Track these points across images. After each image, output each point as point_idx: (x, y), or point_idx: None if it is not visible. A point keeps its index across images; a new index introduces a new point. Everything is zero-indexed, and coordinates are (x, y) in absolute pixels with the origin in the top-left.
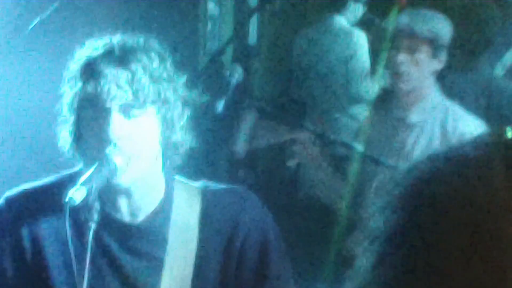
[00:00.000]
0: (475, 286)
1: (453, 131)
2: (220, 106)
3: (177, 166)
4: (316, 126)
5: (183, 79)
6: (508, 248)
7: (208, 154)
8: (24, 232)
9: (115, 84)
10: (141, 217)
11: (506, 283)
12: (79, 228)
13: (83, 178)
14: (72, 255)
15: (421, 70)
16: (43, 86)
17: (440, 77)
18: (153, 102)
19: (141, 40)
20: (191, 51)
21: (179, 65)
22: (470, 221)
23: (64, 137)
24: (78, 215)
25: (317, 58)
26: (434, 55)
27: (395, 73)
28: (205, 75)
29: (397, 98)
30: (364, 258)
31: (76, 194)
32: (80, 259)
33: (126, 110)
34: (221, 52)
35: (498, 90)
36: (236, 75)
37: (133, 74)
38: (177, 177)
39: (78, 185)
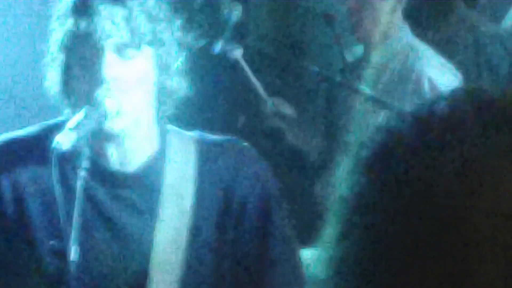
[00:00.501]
0: (445, 255)
1: (420, 73)
2: (217, 47)
3: (171, 115)
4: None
5: (179, 20)
6: (478, 214)
7: (204, 99)
8: (5, 182)
9: (111, 22)
10: (132, 166)
11: (474, 250)
12: (67, 177)
13: (71, 123)
14: (60, 205)
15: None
16: (26, 25)
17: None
18: (149, 42)
19: None
20: None
21: (175, 2)
22: (441, 186)
23: (52, 78)
24: (66, 162)
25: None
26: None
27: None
28: (201, 13)
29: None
30: (331, 227)
31: (64, 139)
32: (68, 210)
33: (121, 49)
34: None
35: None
36: (235, 13)
37: (130, 11)
38: (170, 126)
39: (66, 130)
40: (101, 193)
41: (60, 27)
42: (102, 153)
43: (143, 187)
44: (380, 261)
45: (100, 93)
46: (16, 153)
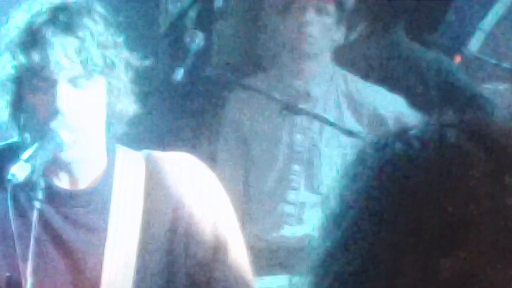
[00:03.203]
0: (430, 263)
1: (361, 101)
2: (179, 74)
3: (120, 135)
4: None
5: (122, 38)
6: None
7: (168, 125)
8: None
9: (64, 54)
10: (81, 185)
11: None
12: (22, 208)
13: (26, 154)
14: (16, 236)
15: (325, 36)
16: None
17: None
18: (101, 71)
19: (83, 2)
20: (151, 13)
21: (138, 29)
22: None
23: (1, 108)
24: (21, 193)
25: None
26: (339, 22)
27: (300, 33)
28: (165, 40)
29: (296, 64)
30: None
31: (19, 171)
32: (23, 240)
33: (74, 81)
34: (183, 15)
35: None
36: (197, 40)
37: (81, 42)
38: (119, 145)
39: (21, 162)
40: (52, 214)
41: (10, 56)
42: (55, 175)
43: (92, 204)
44: None
45: (55, 124)
46: None
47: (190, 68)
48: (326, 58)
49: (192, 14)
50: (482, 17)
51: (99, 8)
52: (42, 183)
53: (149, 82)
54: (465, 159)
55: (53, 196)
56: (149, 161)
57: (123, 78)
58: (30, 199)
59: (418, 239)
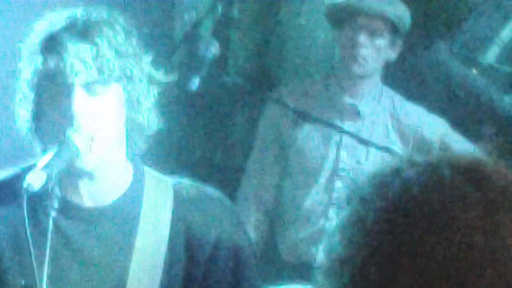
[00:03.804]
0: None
1: (407, 122)
2: (194, 83)
3: (146, 153)
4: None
5: (149, 57)
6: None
7: (181, 137)
8: None
9: (79, 59)
10: (105, 202)
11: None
12: (38, 217)
13: (42, 163)
14: (31, 245)
15: (378, 57)
16: None
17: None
18: (118, 78)
19: (106, 13)
20: (167, 23)
21: (155, 38)
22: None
23: (23, 117)
24: (37, 202)
25: (301, 30)
26: (392, 43)
27: (351, 55)
28: (180, 49)
29: (348, 83)
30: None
31: (35, 180)
32: (39, 250)
33: (90, 86)
34: (198, 25)
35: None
36: (212, 49)
37: (98, 48)
38: (146, 168)
39: (36, 170)
40: (74, 230)
41: (29, 65)
42: (74, 189)
43: (118, 221)
44: None
45: (70, 131)
46: None
47: (206, 77)
48: (377, 77)
49: (207, 23)
50: (499, 28)
51: (122, 20)
52: (58, 192)
53: (164, 92)
54: (461, 198)
55: (75, 213)
56: (178, 191)
57: (143, 90)
58: (46, 208)
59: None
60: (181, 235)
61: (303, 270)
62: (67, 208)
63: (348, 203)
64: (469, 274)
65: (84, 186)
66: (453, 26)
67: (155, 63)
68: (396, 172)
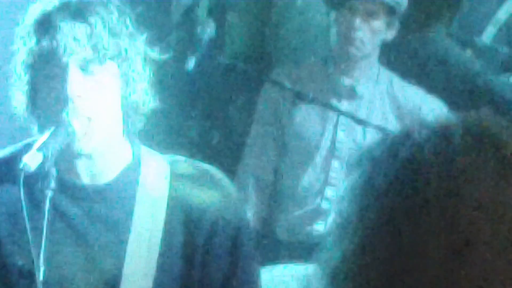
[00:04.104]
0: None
1: (405, 103)
2: (191, 63)
3: (141, 131)
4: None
5: (143, 35)
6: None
7: (177, 114)
8: None
9: (73, 38)
10: (103, 180)
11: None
12: (35, 197)
13: (38, 143)
14: (27, 225)
15: (375, 38)
16: None
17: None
18: (113, 57)
19: None
20: (163, 4)
21: (151, 19)
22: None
23: (18, 99)
24: (34, 182)
25: (298, 11)
26: (389, 24)
27: (348, 38)
28: (177, 29)
29: (345, 64)
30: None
31: (31, 160)
32: (36, 230)
33: (84, 65)
34: (195, 6)
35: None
36: (208, 30)
37: (92, 27)
38: (143, 147)
39: (33, 151)
40: (72, 209)
41: (23, 46)
42: (72, 169)
43: (114, 201)
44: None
45: (66, 112)
46: None
47: (202, 57)
48: (374, 57)
49: (204, 4)
50: (495, 9)
51: (116, 0)
52: (54, 172)
53: (161, 72)
54: (472, 159)
55: (73, 192)
56: (174, 167)
57: (138, 69)
58: (43, 189)
59: (428, 244)
60: (178, 213)
61: (299, 249)
62: (65, 187)
63: (358, 164)
64: (480, 234)
65: (82, 165)
66: (450, 7)
67: (150, 42)
68: (407, 134)
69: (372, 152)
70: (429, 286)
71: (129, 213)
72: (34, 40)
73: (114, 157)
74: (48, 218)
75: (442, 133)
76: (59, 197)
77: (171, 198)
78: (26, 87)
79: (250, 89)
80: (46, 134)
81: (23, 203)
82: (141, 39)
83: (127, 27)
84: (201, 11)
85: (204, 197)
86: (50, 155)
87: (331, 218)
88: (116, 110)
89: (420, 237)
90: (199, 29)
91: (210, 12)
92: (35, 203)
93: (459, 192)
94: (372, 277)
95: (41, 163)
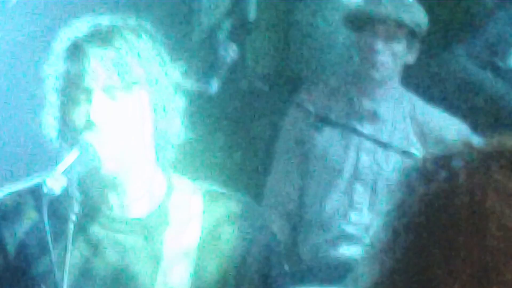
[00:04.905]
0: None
1: (428, 126)
2: (214, 86)
3: (175, 161)
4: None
5: (179, 65)
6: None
7: (201, 141)
8: (7, 234)
9: (99, 64)
10: (135, 212)
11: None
12: (61, 221)
13: (61, 166)
14: (51, 251)
15: (396, 61)
16: (23, 68)
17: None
18: (141, 84)
19: (131, 21)
20: (185, 27)
21: (172, 42)
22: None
23: (49, 124)
24: (58, 207)
25: (319, 32)
26: (410, 47)
27: (369, 61)
28: (199, 53)
29: (367, 87)
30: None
31: (55, 184)
32: (60, 255)
33: (110, 91)
34: (216, 28)
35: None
36: (231, 52)
37: (119, 54)
38: (176, 175)
39: (57, 174)
40: (102, 238)
41: (54, 72)
42: (103, 198)
43: (145, 232)
44: None
45: (90, 136)
46: (19, 204)
47: (225, 81)
48: (396, 80)
49: (225, 26)
50: None
51: (148, 27)
52: (78, 196)
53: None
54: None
55: (104, 222)
56: (207, 197)
57: (170, 98)
58: (67, 213)
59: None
60: (210, 246)
61: (323, 273)
62: (97, 216)
63: (397, 189)
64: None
65: (111, 194)
66: (472, 30)
67: (183, 71)
68: (444, 160)
69: (405, 178)
70: None
71: (159, 246)
72: (63, 65)
73: (145, 188)
74: (72, 242)
75: (479, 161)
76: (91, 226)
77: (203, 231)
78: (56, 112)
79: (273, 111)
80: (70, 157)
81: (47, 228)
82: (175, 68)
83: (159, 55)
84: (223, 34)
85: (236, 231)
86: (74, 179)
87: (363, 245)
88: (146, 138)
89: (451, 263)
90: (221, 52)
91: (232, 35)
92: (59, 227)
93: (488, 216)
94: None
95: (65, 186)
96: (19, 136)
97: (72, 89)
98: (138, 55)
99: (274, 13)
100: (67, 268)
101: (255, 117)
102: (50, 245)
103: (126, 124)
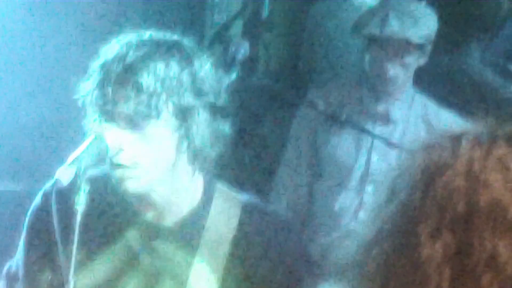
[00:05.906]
0: None
1: (440, 128)
2: (225, 83)
3: (217, 171)
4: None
5: (211, 90)
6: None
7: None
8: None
9: (121, 93)
10: (170, 219)
11: None
12: (65, 211)
13: (72, 157)
14: (59, 243)
15: (409, 69)
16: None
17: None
18: (169, 112)
19: (170, 40)
20: (197, 24)
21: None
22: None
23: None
24: (67, 197)
25: (332, 32)
26: (421, 55)
27: (380, 76)
28: (210, 50)
29: (379, 87)
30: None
31: (63, 175)
32: (67, 246)
33: (130, 119)
34: (229, 26)
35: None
36: (242, 50)
37: (142, 83)
38: (219, 184)
39: (65, 165)
40: (137, 244)
41: (88, 89)
42: (140, 204)
43: (179, 239)
44: None
45: (114, 158)
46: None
47: (236, 79)
48: (408, 82)
49: (237, 24)
50: None
51: (186, 46)
52: (86, 188)
53: None
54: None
55: (140, 228)
56: (246, 209)
57: (202, 121)
58: (73, 204)
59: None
60: (241, 254)
61: (332, 272)
62: (134, 222)
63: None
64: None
65: (146, 204)
66: (487, 33)
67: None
68: (445, 164)
69: (410, 181)
70: None
71: (192, 253)
72: (94, 84)
73: (180, 197)
74: (78, 234)
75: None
76: (126, 228)
77: (237, 242)
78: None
79: (283, 109)
80: (79, 149)
81: (54, 218)
82: (208, 93)
83: (192, 82)
84: (235, 32)
85: (269, 243)
86: (82, 170)
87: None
88: (169, 156)
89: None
90: (233, 49)
91: (244, 33)
92: (66, 217)
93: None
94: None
95: (73, 177)
96: (19, 136)
97: (97, 111)
98: (164, 85)
99: (287, 11)
100: (73, 260)
101: (266, 114)
102: (58, 239)
103: (150, 149)
